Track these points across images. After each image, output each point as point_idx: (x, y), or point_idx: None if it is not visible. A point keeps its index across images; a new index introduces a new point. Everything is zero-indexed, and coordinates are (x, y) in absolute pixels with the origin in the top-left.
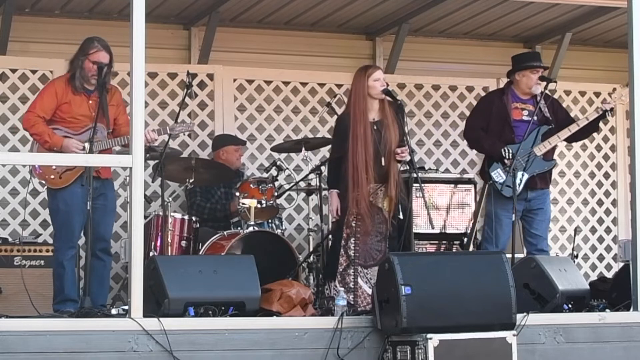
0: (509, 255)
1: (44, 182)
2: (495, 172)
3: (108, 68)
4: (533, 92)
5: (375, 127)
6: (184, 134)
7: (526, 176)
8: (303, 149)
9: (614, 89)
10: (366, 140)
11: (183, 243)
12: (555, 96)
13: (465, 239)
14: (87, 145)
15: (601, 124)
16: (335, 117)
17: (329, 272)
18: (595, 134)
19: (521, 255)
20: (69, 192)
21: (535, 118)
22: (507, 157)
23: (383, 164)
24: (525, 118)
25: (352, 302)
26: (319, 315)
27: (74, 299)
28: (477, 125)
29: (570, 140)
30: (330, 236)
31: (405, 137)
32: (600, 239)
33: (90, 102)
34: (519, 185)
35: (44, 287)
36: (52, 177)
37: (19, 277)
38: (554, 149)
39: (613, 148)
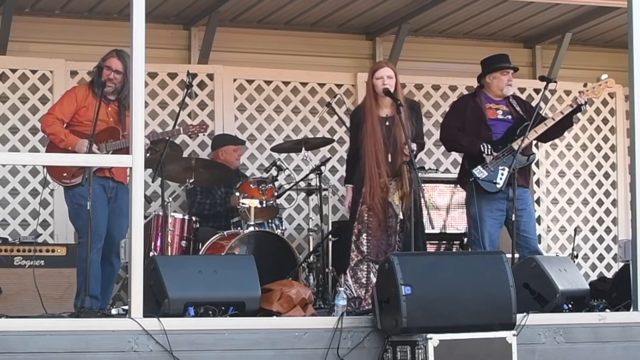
0: (509, 255)
1: (57, 181)
2: (476, 169)
3: (123, 78)
4: (505, 93)
5: (387, 123)
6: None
7: (507, 171)
8: (303, 149)
9: (585, 84)
10: (375, 135)
11: (183, 243)
12: (555, 96)
13: (465, 239)
14: (104, 146)
15: (601, 124)
16: (336, 117)
17: (340, 265)
18: (595, 134)
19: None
20: (86, 188)
21: (510, 117)
22: (486, 152)
23: (390, 159)
24: (500, 117)
25: (362, 297)
26: (319, 315)
27: (97, 296)
28: (452, 125)
29: (545, 138)
30: (331, 235)
31: (406, 138)
32: (600, 239)
33: (109, 109)
34: (501, 180)
35: (45, 287)
36: (65, 174)
37: (19, 277)
38: (531, 145)
39: (613, 148)
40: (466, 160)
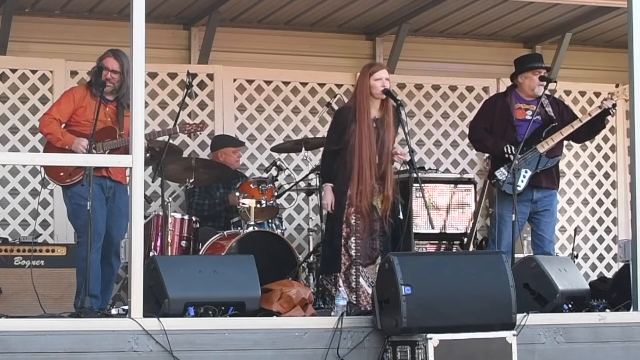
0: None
1: (54, 180)
2: (499, 171)
3: (121, 77)
4: (536, 93)
5: (374, 125)
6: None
7: (530, 173)
8: (303, 149)
9: (617, 85)
10: (370, 137)
11: (183, 243)
12: (555, 96)
13: (465, 239)
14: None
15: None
16: None
17: (327, 268)
18: None
19: (521, 255)
20: (85, 188)
21: (539, 117)
22: (508, 152)
23: (377, 161)
24: (528, 117)
25: (354, 302)
26: (318, 315)
27: (97, 295)
28: (480, 125)
29: (576, 139)
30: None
31: (406, 138)
32: (600, 239)
33: (107, 109)
34: (522, 182)
35: (45, 287)
36: (62, 174)
37: (19, 277)
38: (559, 147)
39: (613, 148)
40: (492, 161)
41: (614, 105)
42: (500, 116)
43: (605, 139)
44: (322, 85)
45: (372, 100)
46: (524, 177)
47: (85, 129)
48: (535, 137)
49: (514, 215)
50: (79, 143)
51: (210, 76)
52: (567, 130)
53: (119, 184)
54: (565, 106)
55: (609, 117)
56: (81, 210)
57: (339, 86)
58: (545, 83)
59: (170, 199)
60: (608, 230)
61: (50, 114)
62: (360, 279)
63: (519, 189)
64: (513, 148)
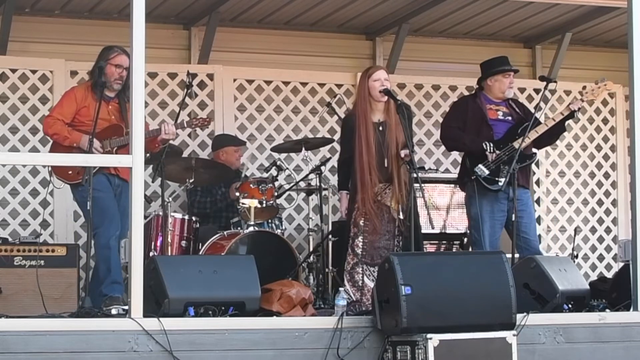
0: (509, 255)
1: (64, 179)
2: (478, 168)
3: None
4: (506, 95)
5: (380, 128)
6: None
7: (508, 170)
8: (303, 149)
9: (584, 87)
10: (368, 141)
11: (183, 243)
12: (555, 96)
13: (465, 239)
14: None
15: (601, 124)
16: (336, 117)
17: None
18: (595, 134)
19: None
20: (95, 180)
21: (510, 118)
22: (489, 150)
23: (386, 165)
24: (500, 117)
25: (360, 301)
26: (319, 315)
27: (120, 281)
28: (453, 125)
29: (539, 144)
30: (331, 235)
31: (407, 137)
32: (600, 239)
33: (110, 107)
34: (504, 179)
35: (45, 287)
36: (70, 172)
37: (19, 277)
38: (531, 147)
39: (613, 148)
40: (468, 159)
41: (579, 109)
42: (473, 116)
43: (605, 139)
44: (322, 85)
45: (374, 103)
46: (504, 174)
47: (90, 129)
48: (509, 135)
49: (513, 216)
50: (87, 140)
51: (210, 76)
52: (542, 128)
53: (126, 183)
54: (528, 110)
55: (578, 117)
56: (94, 201)
57: (339, 86)
58: (513, 85)
59: (170, 199)
60: (608, 230)
61: (53, 115)
62: (365, 278)
63: (500, 184)
64: (492, 146)
